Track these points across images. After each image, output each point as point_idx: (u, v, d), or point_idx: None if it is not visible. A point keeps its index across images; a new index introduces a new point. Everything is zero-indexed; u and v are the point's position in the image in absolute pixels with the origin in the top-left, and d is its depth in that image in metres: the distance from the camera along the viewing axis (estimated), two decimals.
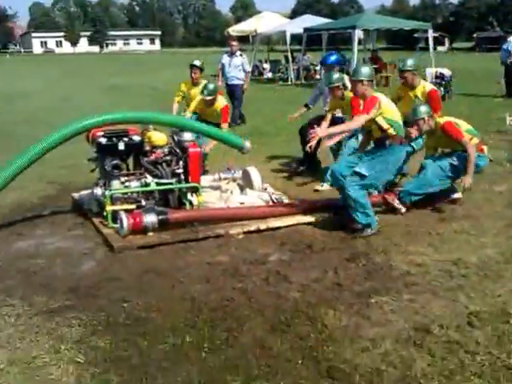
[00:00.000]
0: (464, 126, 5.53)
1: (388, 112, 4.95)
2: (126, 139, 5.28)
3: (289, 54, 22.09)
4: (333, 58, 6.76)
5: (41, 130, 6.65)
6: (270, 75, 24.06)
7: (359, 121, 4.91)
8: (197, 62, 7.91)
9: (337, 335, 3.26)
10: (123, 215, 4.79)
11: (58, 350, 3.19)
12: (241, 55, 11.34)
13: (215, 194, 5.61)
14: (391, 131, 4.95)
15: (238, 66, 11.16)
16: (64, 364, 3.07)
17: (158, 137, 5.50)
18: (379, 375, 2.85)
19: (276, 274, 4.11)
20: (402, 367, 2.92)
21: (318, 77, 22.41)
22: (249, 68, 11.57)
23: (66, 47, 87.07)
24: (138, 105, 13.83)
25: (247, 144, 5.93)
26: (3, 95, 17.41)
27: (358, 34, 19.84)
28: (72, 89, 20.11)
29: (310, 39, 23.17)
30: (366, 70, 5.10)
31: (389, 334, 3.24)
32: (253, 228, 4.97)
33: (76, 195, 6.06)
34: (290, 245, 4.69)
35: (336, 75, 6.14)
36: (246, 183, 5.77)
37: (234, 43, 11.70)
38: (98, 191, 5.11)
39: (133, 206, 5.07)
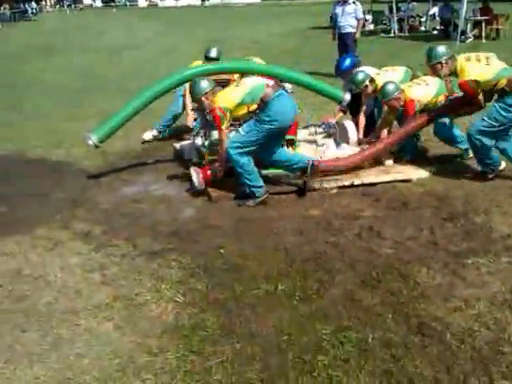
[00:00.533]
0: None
1: None
2: None
3: (393, 4, 20.99)
4: (347, 62, 6.07)
5: (147, 81, 6.89)
6: (371, 27, 23.03)
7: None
8: (213, 53, 6.74)
9: (429, 293, 3.22)
10: (193, 171, 4.89)
11: (159, 290, 3.42)
12: (354, 2, 10.86)
13: (310, 147, 5.60)
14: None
15: (350, 14, 10.75)
16: (164, 303, 3.29)
17: None
18: (471, 335, 2.81)
19: (369, 229, 4.10)
20: (496, 329, 2.86)
21: (422, 28, 21.26)
22: (361, 15, 10.99)
23: (169, 0, 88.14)
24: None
25: (346, 96, 5.85)
26: (111, 48, 18.19)
27: None
28: (175, 42, 20.53)
29: None
30: (442, 50, 4.85)
31: (484, 296, 3.16)
32: (347, 183, 4.94)
33: (177, 145, 6.31)
34: (384, 201, 4.63)
35: (360, 76, 5.62)
36: (342, 137, 5.70)
37: None
38: (199, 141, 5.27)
39: None
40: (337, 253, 3.75)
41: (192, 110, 5.93)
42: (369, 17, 23.56)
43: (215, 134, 5.20)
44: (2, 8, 39.54)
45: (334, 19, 11.30)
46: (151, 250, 3.96)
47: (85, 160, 6.29)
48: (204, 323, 3.06)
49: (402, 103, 5.26)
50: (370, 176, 5.08)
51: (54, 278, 3.63)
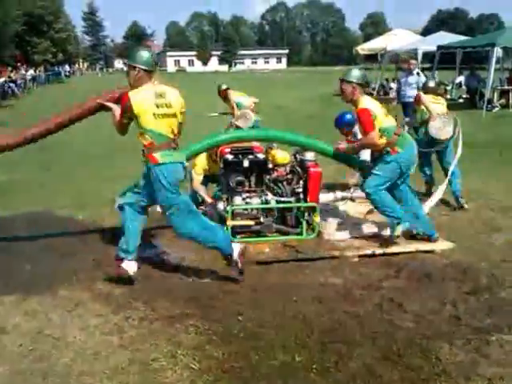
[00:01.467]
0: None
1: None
2: (250, 156, 5.47)
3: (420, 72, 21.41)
4: (348, 117, 6.29)
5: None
6: (395, 94, 23.47)
7: (372, 139, 4.90)
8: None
9: (451, 370, 3.13)
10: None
11: (175, 355, 3.39)
12: (418, 74, 11.58)
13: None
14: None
15: (411, 84, 11.37)
16: (179, 369, 3.25)
17: (282, 155, 5.59)
18: None
19: (390, 301, 4.04)
20: None
21: (448, 96, 21.54)
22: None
23: (197, 66, 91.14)
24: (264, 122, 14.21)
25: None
26: None
27: (498, 52, 18.69)
28: (202, 105, 21.10)
29: (443, 57, 22.32)
30: (356, 73, 4.98)
31: (508, 375, 3.06)
32: (368, 252, 4.92)
33: (202, 207, 6.39)
34: (406, 272, 4.58)
35: None
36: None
37: (413, 61, 12.10)
38: (221, 205, 5.36)
39: (252, 222, 5.26)
40: (356, 324, 3.69)
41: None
42: (393, 85, 24.03)
43: (237, 200, 5.30)
44: (37, 71, 41.60)
45: (398, 88, 12.38)
46: (169, 315, 3.95)
47: (109, 220, 6.37)
48: None
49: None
50: (392, 245, 5.05)
51: (73, 339, 3.64)
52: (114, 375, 3.21)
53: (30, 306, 4.17)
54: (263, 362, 3.27)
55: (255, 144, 5.85)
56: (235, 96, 8.56)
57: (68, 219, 6.52)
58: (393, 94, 23.16)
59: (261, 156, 5.52)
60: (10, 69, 31.27)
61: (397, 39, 24.94)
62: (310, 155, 5.44)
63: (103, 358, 3.41)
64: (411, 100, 10.88)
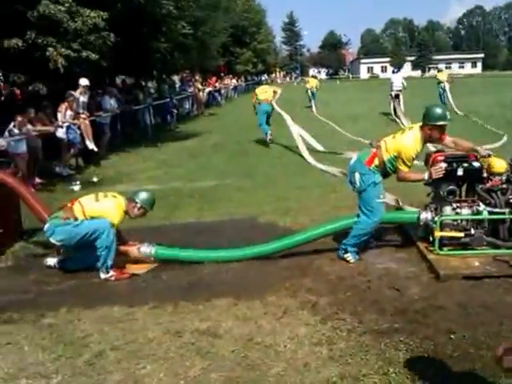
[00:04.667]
0: None
1: None
2: (465, 165, 5.14)
3: None
4: None
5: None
6: None
7: None
8: None
9: None
10: None
11: (386, 373, 3.34)
12: None
13: None
14: None
15: None
16: None
17: (499, 164, 5.18)
18: None
19: None
20: None
21: None
22: None
23: (390, 72, 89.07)
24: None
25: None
26: (335, 117, 18.95)
27: None
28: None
29: None
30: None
31: None
32: None
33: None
34: None
35: None
36: None
37: None
38: (428, 215, 5.14)
39: (461, 234, 4.97)
40: None
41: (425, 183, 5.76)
42: None
43: (447, 210, 5.05)
44: (239, 80, 44.29)
45: None
46: (378, 328, 3.92)
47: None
48: None
49: None
50: None
51: (284, 349, 3.77)
52: None
53: (240, 311, 4.39)
54: None
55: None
56: None
57: (271, 226, 6.79)
58: None
59: (476, 164, 5.15)
60: (214, 79, 33.86)
61: None
62: None
63: (314, 369, 3.46)
64: None
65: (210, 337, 3.96)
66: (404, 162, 5.02)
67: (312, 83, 25.32)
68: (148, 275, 5.34)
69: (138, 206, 5.38)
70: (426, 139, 5.06)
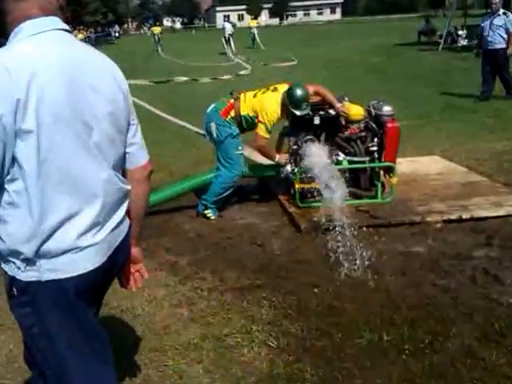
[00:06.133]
0: None
1: None
2: (321, 113, 5.00)
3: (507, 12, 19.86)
4: None
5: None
6: (465, 42, 21.96)
7: None
8: None
9: None
10: None
11: (249, 331, 3.15)
12: (504, 13, 9.91)
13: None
14: None
15: (500, 27, 9.87)
16: (256, 346, 3.02)
17: (355, 111, 5.02)
18: None
19: (484, 272, 3.63)
20: None
21: None
22: None
23: (247, 21, 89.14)
24: (317, 77, 13.74)
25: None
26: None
27: None
28: (260, 62, 20.63)
29: None
30: None
31: None
32: (454, 217, 4.48)
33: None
34: (498, 239, 4.12)
35: None
36: None
37: (496, 0, 10.05)
38: (288, 168, 5.01)
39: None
40: (449, 299, 3.32)
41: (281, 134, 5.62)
42: (462, 32, 22.53)
43: (306, 162, 4.94)
44: (88, 32, 41.97)
45: (480, 34, 10.53)
46: (240, 286, 3.71)
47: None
48: (302, 374, 2.75)
49: None
50: (481, 209, 4.60)
51: (142, 312, 3.46)
52: (186, 352, 3.01)
53: None
54: (347, 341, 2.98)
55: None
56: None
57: None
58: (462, 42, 21.82)
59: (333, 112, 5.01)
60: None
61: None
62: (387, 109, 4.88)
63: (174, 332, 3.22)
64: (501, 46, 9.88)
65: None
66: (265, 126, 4.81)
67: (156, 30, 34.61)
68: None
69: None
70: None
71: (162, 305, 3.53)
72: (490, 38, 9.99)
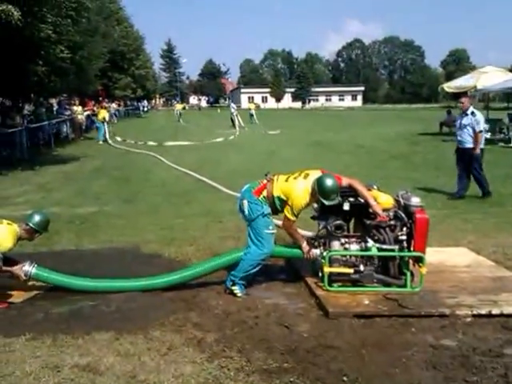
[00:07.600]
0: None
1: None
2: (351, 199, 5.11)
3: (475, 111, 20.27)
4: None
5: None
6: (487, 135, 22.24)
7: None
8: None
9: None
10: None
11: None
12: (472, 113, 9.78)
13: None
14: None
15: (466, 126, 9.77)
16: None
17: (385, 199, 5.13)
18: None
19: None
20: None
21: None
22: (480, 127, 9.75)
23: (271, 102, 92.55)
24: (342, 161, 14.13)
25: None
26: (221, 145, 19.06)
27: None
28: (276, 143, 21.17)
29: None
30: None
31: None
32: (483, 311, 4.44)
33: None
34: None
35: None
36: None
37: (463, 100, 10.13)
38: (317, 250, 5.07)
39: (350, 270, 4.93)
40: None
41: (312, 217, 5.70)
42: (485, 125, 22.85)
43: (336, 245, 5.01)
44: (118, 105, 44.64)
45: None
46: (267, 368, 3.69)
47: (195, 259, 6.23)
48: None
49: None
50: (510, 306, 4.54)
51: None
52: None
53: (122, 346, 4.06)
54: None
55: None
56: None
57: (155, 256, 6.46)
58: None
59: (362, 199, 5.11)
60: (93, 103, 33.04)
61: (487, 77, 23.74)
62: (415, 200, 4.97)
63: None
64: (469, 146, 9.65)
65: (90, 373, 3.63)
66: (292, 210, 4.95)
67: (179, 107, 46.81)
68: (26, 303, 4.98)
69: (29, 228, 5.28)
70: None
71: (188, 382, 3.53)
72: (459, 138, 9.95)
